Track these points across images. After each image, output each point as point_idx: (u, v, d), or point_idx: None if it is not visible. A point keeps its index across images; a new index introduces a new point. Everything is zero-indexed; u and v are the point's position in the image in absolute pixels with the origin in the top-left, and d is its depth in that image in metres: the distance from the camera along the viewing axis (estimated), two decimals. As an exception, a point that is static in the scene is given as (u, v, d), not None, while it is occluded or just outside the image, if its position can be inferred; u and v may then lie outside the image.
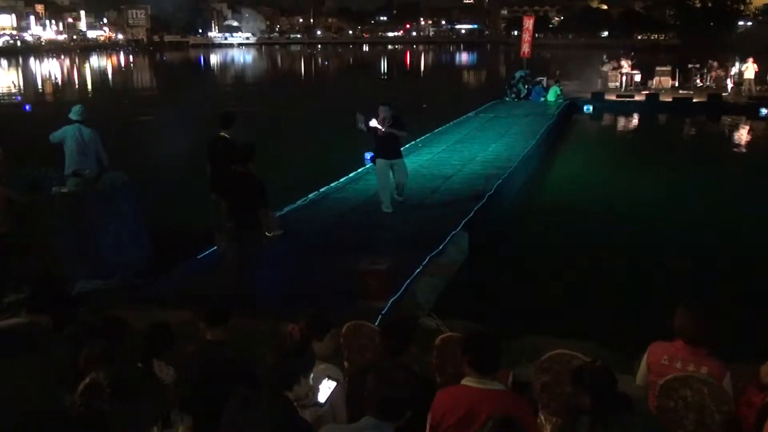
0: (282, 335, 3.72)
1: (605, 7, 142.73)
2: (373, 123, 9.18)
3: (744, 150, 19.24)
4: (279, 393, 2.84)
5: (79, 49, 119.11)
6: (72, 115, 8.09)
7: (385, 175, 9.53)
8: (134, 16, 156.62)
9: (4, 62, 78.12)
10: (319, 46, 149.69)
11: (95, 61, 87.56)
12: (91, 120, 8.44)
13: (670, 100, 24.31)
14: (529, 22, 28.81)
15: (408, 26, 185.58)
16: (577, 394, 2.85)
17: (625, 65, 27.47)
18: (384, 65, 77.16)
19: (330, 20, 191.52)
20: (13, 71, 64.58)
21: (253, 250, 6.45)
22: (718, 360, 3.37)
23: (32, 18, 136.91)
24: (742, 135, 21.41)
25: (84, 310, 4.66)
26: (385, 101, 9.41)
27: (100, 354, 3.28)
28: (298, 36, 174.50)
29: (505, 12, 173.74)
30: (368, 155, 10.16)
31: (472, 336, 3.14)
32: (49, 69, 69.39)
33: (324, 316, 3.70)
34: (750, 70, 24.51)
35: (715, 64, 27.47)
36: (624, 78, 27.09)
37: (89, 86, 47.35)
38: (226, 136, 7.83)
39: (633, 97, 25.16)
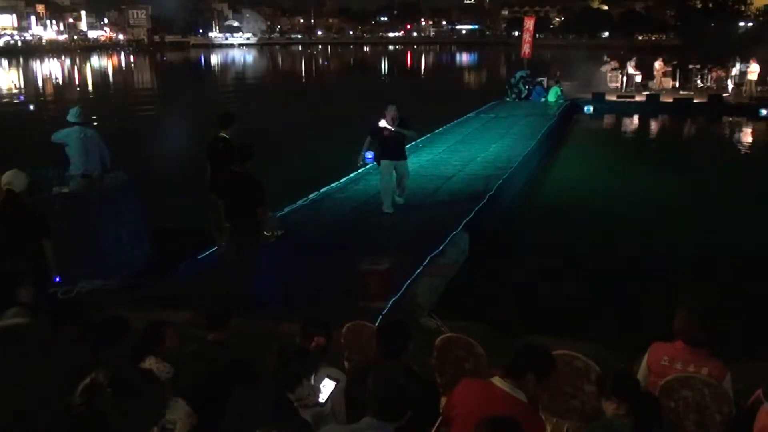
0: (283, 336, 3.74)
1: (606, 7, 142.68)
2: (383, 123, 9.16)
3: (744, 151, 19.23)
4: (280, 394, 2.85)
5: (79, 49, 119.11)
6: (71, 118, 8.06)
7: (389, 176, 9.44)
8: (135, 17, 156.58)
9: (5, 62, 78.14)
10: (320, 46, 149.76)
11: (96, 61, 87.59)
12: (90, 120, 8.43)
13: (671, 100, 24.29)
14: (529, 23, 28.84)
15: (408, 27, 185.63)
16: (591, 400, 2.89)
17: (630, 66, 27.29)
18: (384, 65, 77.19)
19: (330, 20, 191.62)
20: (13, 71, 64.59)
21: (252, 250, 6.44)
22: (719, 361, 3.37)
23: (33, 18, 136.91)
24: (743, 136, 21.42)
25: (84, 310, 4.66)
26: (392, 100, 9.40)
27: (101, 354, 3.28)
28: (299, 36, 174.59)
29: (505, 12, 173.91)
30: (369, 155, 10.16)
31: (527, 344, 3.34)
32: (49, 69, 69.41)
33: (330, 328, 3.76)
34: (755, 71, 24.42)
35: (714, 75, 27.41)
36: (624, 78, 27.06)
37: (89, 86, 47.35)
38: (226, 136, 7.82)
39: (633, 97, 25.16)
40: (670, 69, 27.50)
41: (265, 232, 7.26)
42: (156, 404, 3.13)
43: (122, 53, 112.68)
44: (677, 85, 27.19)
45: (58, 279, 6.02)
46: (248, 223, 6.31)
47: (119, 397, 2.75)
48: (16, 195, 5.74)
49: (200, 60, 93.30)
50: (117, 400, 2.73)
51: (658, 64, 27.34)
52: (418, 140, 15.67)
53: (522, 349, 3.11)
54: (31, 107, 32.05)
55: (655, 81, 26.87)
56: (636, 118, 24.03)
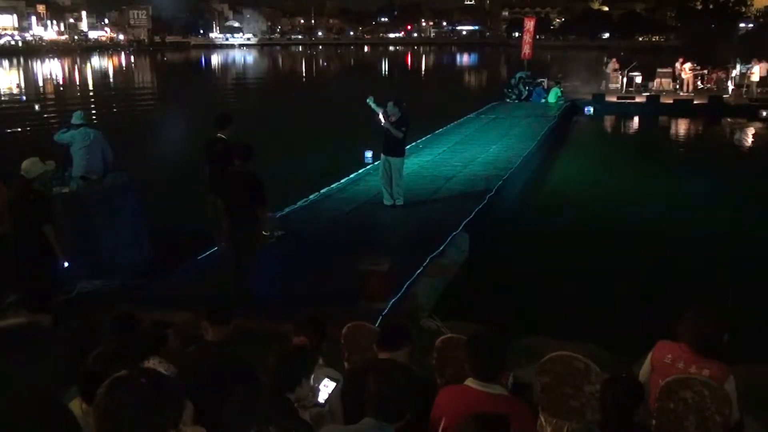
0: (284, 338, 3.74)
1: (606, 8, 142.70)
2: (380, 116, 9.41)
3: (744, 151, 19.23)
4: (280, 394, 2.85)
5: (80, 49, 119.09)
6: (75, 121, 8.04)
7: (381, 168, 9.73)
8: (135, 17, 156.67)
9: (5, 62, 78.15)
10: (320, 46, 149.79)
11: (96, 61, 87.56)
12: (91, 120, 8.42)
13: (671, 101, 24.29)
14: (530, 24, 28.85)
15: (409, 27, 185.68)
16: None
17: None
18: (385, 66, 77.20)
19: (331, 21, 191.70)
20: (14, 71, 64.61)
21: (251, 250, 6.44)
22: (721, 362, 3.36)
23: (33, 18, 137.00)
24: (743, 137, 21.42)
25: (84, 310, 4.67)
26: (394, 98, 9.54)
27: (111, 353, 3.27)
28: (299, 37, 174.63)
29: (506, 13, 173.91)
30: (368, 153, 10.20)
31: (475, 338, 3.15)
32: (50, 69, 69.41)
33: (323, 326, 3.74)
34: (756, 73, 24.35)
35: (714, 76, 27.28)
36: (625, 79, 26.99)
37: (90, 87, 47.35)
38: (223, 137, 7.81)
39: (634, 98, 25.15)
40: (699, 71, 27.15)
41: (265, 232, 7.26)
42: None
43: (123, 54, 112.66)
44: (678, 86, 27.16)
45: (66, 264, 6.08)
46: (248, 224, 6.31)
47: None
48: (26, 182, 5.94)
49: (201, 60, 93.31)
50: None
51: (688, 67, 26.77)
52: (419, 140, 15.69)
53: (486, 349, 3.06)
54: (37, 107, 32.05)
55: (685, 83, 26.42)
56: (636, 120, 24.03)
